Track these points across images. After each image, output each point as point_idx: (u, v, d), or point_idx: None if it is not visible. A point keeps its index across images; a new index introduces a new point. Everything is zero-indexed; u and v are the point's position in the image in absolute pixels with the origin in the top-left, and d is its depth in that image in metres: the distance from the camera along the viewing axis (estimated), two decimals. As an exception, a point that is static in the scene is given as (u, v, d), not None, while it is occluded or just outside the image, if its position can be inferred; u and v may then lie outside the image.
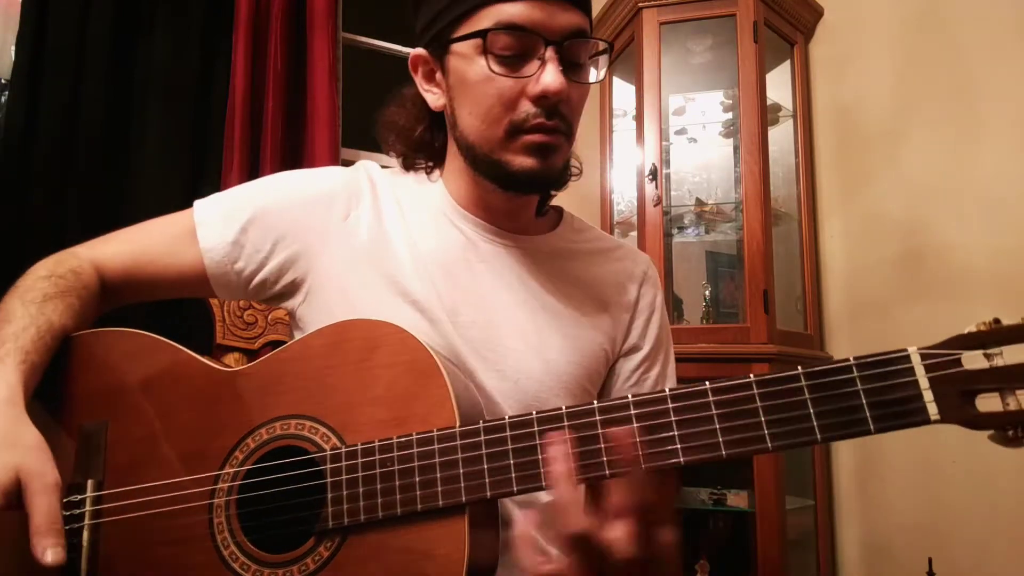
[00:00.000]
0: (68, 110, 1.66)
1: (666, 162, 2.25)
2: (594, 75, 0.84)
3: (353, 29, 2.20)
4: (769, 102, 2.18)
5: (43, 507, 0.63)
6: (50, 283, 0.80)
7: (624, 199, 2.41)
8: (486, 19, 0.78)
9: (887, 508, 1.96)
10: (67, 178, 1.65)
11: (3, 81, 1.69)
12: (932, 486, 1.77)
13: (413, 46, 0.89)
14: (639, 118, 2.18)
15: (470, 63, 0.80)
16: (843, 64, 2.23)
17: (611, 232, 2.30)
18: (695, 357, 1.99)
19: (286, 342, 1.31)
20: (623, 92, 2.40)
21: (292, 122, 1.92)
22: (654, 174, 2.11)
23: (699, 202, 2.28)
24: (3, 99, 1.67)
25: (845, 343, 2.17)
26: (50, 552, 0.62)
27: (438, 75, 0.87)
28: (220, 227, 0.87)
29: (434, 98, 0.88)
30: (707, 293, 2.25)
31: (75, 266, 0.84)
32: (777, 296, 2.04)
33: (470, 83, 0.81)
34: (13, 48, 1.65)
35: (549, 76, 0.77)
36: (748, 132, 2.08)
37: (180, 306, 1.57)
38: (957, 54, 1.88)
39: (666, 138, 2.26)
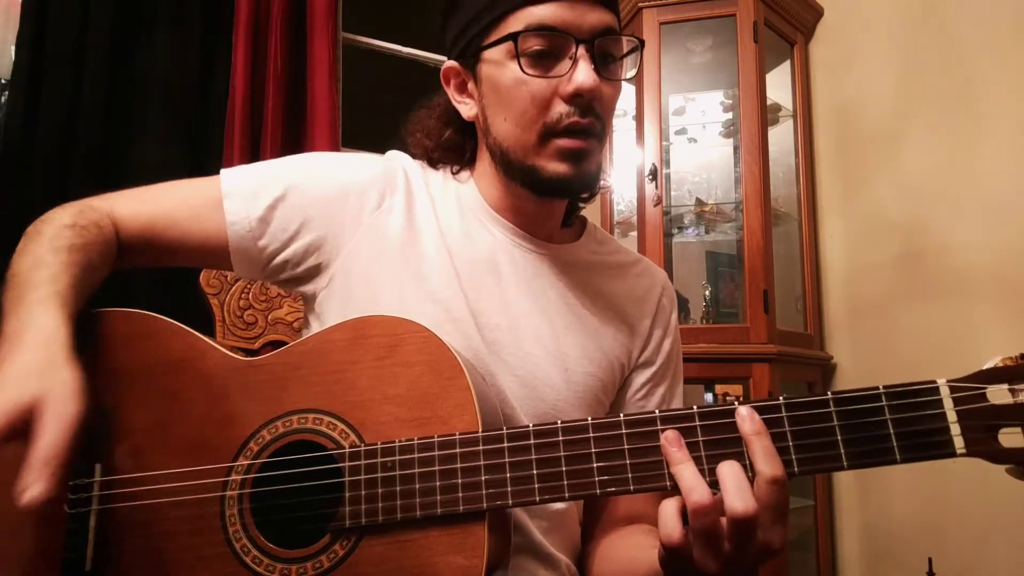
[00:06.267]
0: (68, 110, 1.66)
1: (666, 162, 2.25)
2: (625, 72, 0.84)
3: (353, 29, 2.20)
4: (769, 102, 2.18)
5: (47, 435, 0.56)
6: (75, 232, 0.77)
7: (624, 199, 2.41)
8: (516, 23, 0.78)
9: (887, 508, 1.96)
10: (67, 178, 1.64)
11: (3, 81, 1.69)
12: (932, 486, 1.78)
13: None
14: (639, 118, 2.18)
15: (502, 68, 0.80)
16: (843, 64, 2.24)
17: (611, 232, 2.30)
18: (695, 357, 1.99)
19: (286, 342, 1.31)
20: (623, 92, 2.39)
21: (292, 122, 1.91)
22: (654, 174, 2.11)
23: (699, 202, 2.28)
24: (3, 99, 1.67)
25: (845, 343, 2.17)
26: (31, 489, 0.54)
27: (470, 85, 0.87)
28: (248, 201, 0.85)
29: (467, 108, 0.88)
30: (707, 293, 2.25)
31: (97, 219, 0.81)
32: (777, 296, 2.04)
33: (503, 88, 0.81)
34: (13, 48, 1.64)
35: (582, 74, 0.77)
36: (748, 132, 2.08)
37: (180, 305, 1.57)
38: (957, 54, 1.88)
39: (666, 138, 2.26)
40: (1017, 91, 1.74)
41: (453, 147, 0.93)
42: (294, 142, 1.92)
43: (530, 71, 0.78)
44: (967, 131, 1.84)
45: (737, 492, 0.58)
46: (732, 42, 2.14)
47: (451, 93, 0.89)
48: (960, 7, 1.88)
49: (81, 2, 1.69)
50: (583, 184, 0.83)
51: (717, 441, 0.63)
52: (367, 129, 2.09)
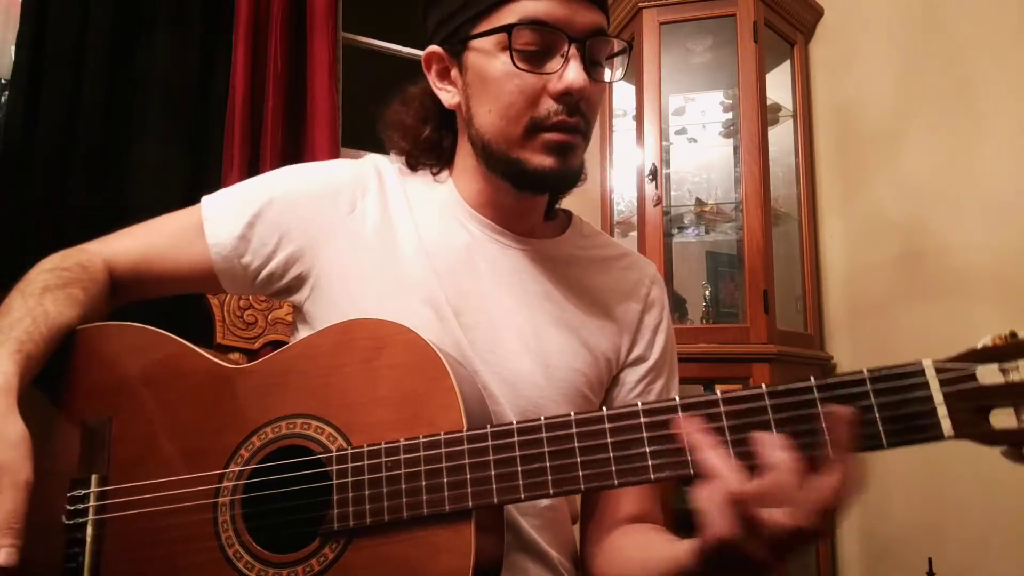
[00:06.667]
0: (68, 110, 1.66)
1: (666, 162, 2.25)
2: (611, 74, 0.85)
3: (353, 29, 2.20)
4: (769, 102, 2.18)
5: (7, 504, 0.62)
6: (53, 275, 0.79)
7: (624, 199, 2.41)
8: (509, 15, 0.78)
9: (887, 508, 1.96)
10: (67, 178, 1.64)
11: (3, 81, 1.69)
12: (932, 486, 1.77)
13: (424, 45, 0.89)
14: (639, 118, 2.18)
15: (491, 59, 0.80)
16: (843, 64, 2.24)
17: (611, 232, 2.30)
18: (695, 357, 1.99)
19: (286, 342, 1.31)
20: (623, 92, 2.40)
21: (292, 122, 1.91)
22: (654, 174, 2.11)
23: (699, 202, 2.28)
24: (3, 99, 1.67)
25: (845, 343, 2.17)
26: (3, 552, 0.61)
27: (453, 72, 0.86)
28: (227, 221, 0.87)
29: (448, 96, 0.87)
30: (707, 293, 2.25)
31: (83, 260, 0.84)
32: (777, 296, 2.04)
33: (491, 79, 0.80)
34: (13, 48, 1.64)
35: (572, 73, 0.78)
36: (748, 132, 2.08)
37: (180, 306, 1.57)
38: (957, 54, 1.88)
39: (666, 138, 2.26)
40: (1017, 91, 1.73)
41: (431, 147, 0.92)
42: (294, 142, 1.92)
43: (521, 65, 0.78)
44: (967, 131, 1.84)
45: (787, 479, 0.56)
46: (732, 42, 2.14)
47: (432, 79, 0.88)
48: (960, 7, 1.88)
49: (81, 2, 1.69)
50: (566, 179, 0.84)
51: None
52: (367, 129, 2.08)
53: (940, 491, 1.78)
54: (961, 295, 1.81)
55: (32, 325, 0.73)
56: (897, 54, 2.05)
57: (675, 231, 2.30)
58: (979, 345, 0.59)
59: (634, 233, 2.28)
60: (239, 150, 1.79)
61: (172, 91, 1.78)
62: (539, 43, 0.78)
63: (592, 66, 0.81)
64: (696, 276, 2.34)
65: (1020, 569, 1.63)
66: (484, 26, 0.80)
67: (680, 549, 0.71)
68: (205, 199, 0.90)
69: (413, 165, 0.94)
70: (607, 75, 0.84)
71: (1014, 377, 0.57)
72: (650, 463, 0.62)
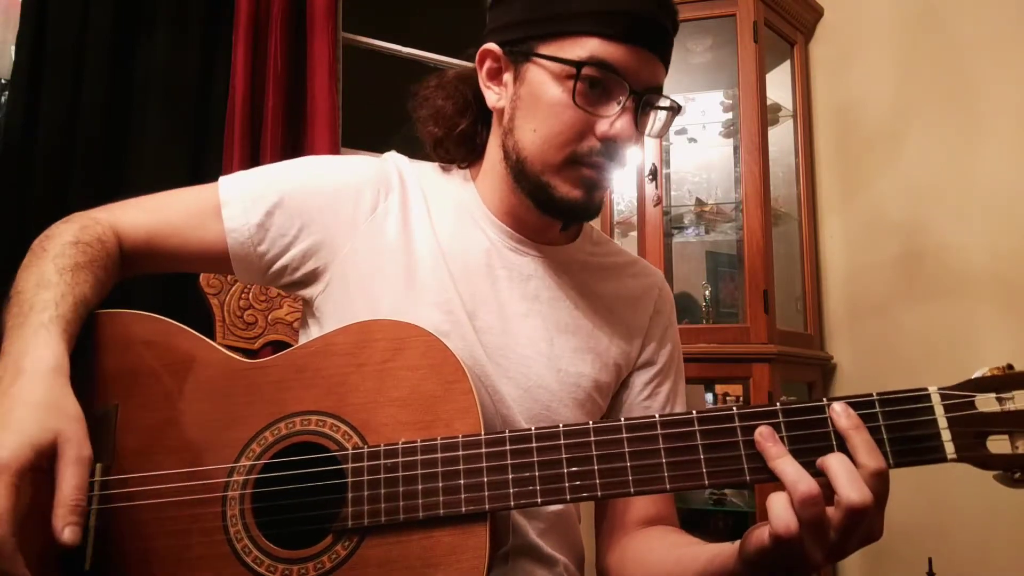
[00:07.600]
0: (68, 110, 1.66)
1: (666, 162, 2.25)
2: (651, 128, 0.86)
3: (353, 29, 2.19)
4: (769, 102, 2.18)
5: (73, 479, 0.61)
6: (78, 250, 0.77)
7: (624, 199, 2.41)
8: (580, 48, 0.78)
9: (887, 508, 1.95)
10: (67, 178, 1.64)
11: (3, 81, 1.69)
12: (932, 486, 1.77)
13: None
14: (639, 118, 2.17)
15: (551, 84, 0.80)
16: (843, 64, 2.24)
17: (611, 232, 2.30)
18: (695, 357, 1.99)
19: (286, 342, 1.31)
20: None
21: (292, 122, 1.91)
22: (654, 174, 2.11)
23: (699, 202, 2.28)
24: (3, 99, 1.67)
25: (845, 343, 2.17)
26: (68, 530, 0.60)
27: (506, 76, 0.86)
28: (246, 208, 0.85)
29: (495, 98, 0.87)
30: (707, 293, 2.25)
31: (100, 233, 0.81)
32: (777, 296, 2.04)
33: (544, 103, 0.81)
34: (13, 48, 1.64)
35: (623, 123, 0.79)
36: (748, 132, 2.08)
37: (179, 305, 1.57)
38: (957, 54, 1.88)
39: (666, 138, 2.26)
40: (1017, 91, 1.74)
41: (465, 140, 0.92)
42: (294, 142, 1.91)
43: (580, 102, 0.79)
44: (967, 131, 1.84)
45: (852, 483, 0.60)
46: (732, 42, 2.14)
47: (481, 76, 0.88)
48: (960, 7, 1.88)
49: (81, 2, 1.69)
50: (589, 212, 0.86)
51: (719, 445, 0.65)
52: (367, 129, 2.09)
53: (941, 491, 1.78)
54: (961, 295, 1.81)
55: (74, 305, 0.72)
56: (897, 54, 2.05)
57: (675, 231, 2.30)
58: (976, 375, 0.63)
59: (634, 233, 2.28)
60: (239, 150, 1.79)
61: (172, 91, 1.78)
62: (601, 84, 0.79)
63: (641, 117, 0.82)
64: (696, 276, 2.34)
65: (1020, 569, 1.63)
66: (553, 50, 0.80)
67: (718, 550, 0.73)
68: (223, 180, 0.88)
69: (441, 156, 0.94)
70: (648, 126, 0.85)
71: (1009, 406, 0.62)
72: (666, 473, 0.64)
